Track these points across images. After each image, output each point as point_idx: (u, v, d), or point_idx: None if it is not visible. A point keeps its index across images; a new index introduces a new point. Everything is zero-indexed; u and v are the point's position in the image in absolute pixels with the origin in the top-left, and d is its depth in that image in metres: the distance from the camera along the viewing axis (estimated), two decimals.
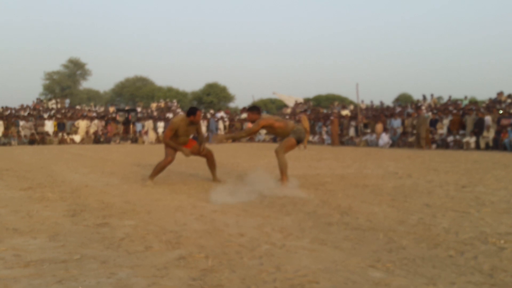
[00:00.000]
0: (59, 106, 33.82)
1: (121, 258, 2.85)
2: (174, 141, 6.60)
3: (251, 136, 6.73)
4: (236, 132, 7.08)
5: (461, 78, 72.65)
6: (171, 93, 47.54)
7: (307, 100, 38.40)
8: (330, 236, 3.41)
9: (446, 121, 20.04)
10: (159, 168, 6.64)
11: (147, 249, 3.05)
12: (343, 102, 40.89)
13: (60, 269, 2.63)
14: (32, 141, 24.54)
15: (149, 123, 28.16)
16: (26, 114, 27.81)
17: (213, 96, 49.57)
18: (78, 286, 2.34)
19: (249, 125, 6.85)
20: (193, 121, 6.59)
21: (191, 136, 6.89)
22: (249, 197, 5.22)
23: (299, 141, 6.43)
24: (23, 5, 75.41)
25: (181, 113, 32.12)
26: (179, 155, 6.74)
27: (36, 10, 76.34)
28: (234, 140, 6.82)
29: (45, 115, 27.99)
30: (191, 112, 6.59)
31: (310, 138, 24.93)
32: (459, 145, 18.25)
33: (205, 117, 29.03)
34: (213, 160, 6.90)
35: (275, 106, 49.23)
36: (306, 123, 18.65)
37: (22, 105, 30.43)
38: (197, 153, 6.83)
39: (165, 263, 2.73)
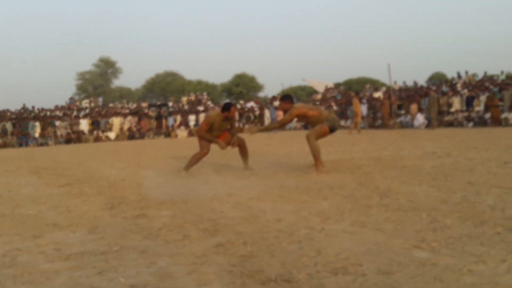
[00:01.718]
0: (92, 105, 34.50)
1: (160, 247, 2.85)
2: (209, 134, 6.69)
3: (283, 126, 6.64)
4: (269, 123, 7.01)
5: (495, 53, 70.17)
6: (200, 86, 47.81)
7: (337, 85, 37.97)
8: (370, 218, 3.32)
9: (482, 98, 19.43)
10: (195, 160, 6.71)
11: (185, 238, 3.03)
12: (375, 84, 40.13)
13: (100, 260, 2.64)
14: (68, 140, 25.16)
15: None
16: (61, 114, 28.52)
17: (242, 87, 49.58)
18: (118, 277, 2.34)
19: (279, 113, 6.80)
20: (227, 117, 6.67)
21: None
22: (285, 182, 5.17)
23: (332, 130, 6.24)
24: (52, 8, 77.07)
25: (211, 105, 32.35)
26: (213, 146, 6.76)
27: (64, 13, 77.92)
28: (268, 131, 6.74)
29: (80, 114, 28.65)
30: (226, 108, 6.64)
31: (343, 123, 24.62)
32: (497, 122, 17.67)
33: (263, 107, 29.36)
34: (245, 148, 6.89)
35: (305, 92, 48.82)
36: (357, 107, 18.49)
37: (56, 106, 31.21)
38: (229, 143, 6.84)
39: (204, 251, 2.71)
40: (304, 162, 7.35)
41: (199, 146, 6.77)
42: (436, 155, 7.36)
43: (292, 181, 5.33)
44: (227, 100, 45.93)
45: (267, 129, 6.92)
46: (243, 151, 6.90)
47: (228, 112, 6.61)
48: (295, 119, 6.65)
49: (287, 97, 6.60)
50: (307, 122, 6.60)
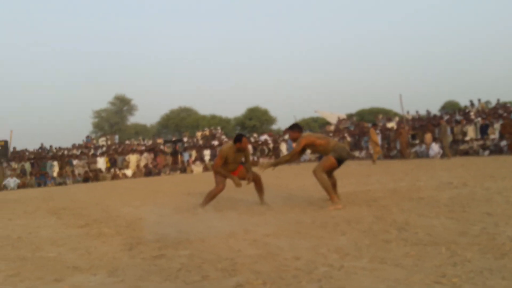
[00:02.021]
0: (109, 142, 34.98)
1: None
2: (224, 169, 6.74)
3: (295, 157, 6.58)
4: (281, 157, 6.94)
5: (505, 81, 70.06)
6: (214, 121, 48.29)
7: (350, 116, 38.01)
8: (389, 253, 3.30)
9: (497, 126, 19.32)
10: (211, 196, 6.77)
11: (204, 279, 3.04)
12: (388, 114, 40.08)
13: None
14: (86, 179, 25.40)
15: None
16: (78, 153, 28.93)
17: (255, 120, 49.94)
18: None
19: (294, 145, 6.77)
20: (240, 148, 6.74)
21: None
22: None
23: (340, 160, 6.16)
24: (67, 47, 79.27)
25: (225, 139, 32.55)
26: (229, 182, 6.80)
27: (79, 52, 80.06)
28: (280, 164, 6.65)
29: (97, 153, 29.03)
30: (237, 139, 6.73)
31: (357, 153, 24.53)
32: None
33: (277, 140, 29.50)
34: (261, 184, 6.92)
35: (318, 124, 48.93)
36: (374, 136, 18.47)
37: (74, 145, 31.70)
38: (244, 178, 6.88)
39: None
40: (318, 195, 7.34)
41: (215, 181, 6.81)
42: (453, 186, 7.30)
43: (308, 216, 5.32)
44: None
45: (279, 162, 6.87)
46: (259, 187, 6.93)
47: (240, 143, 6.68)
48: (309, 151, 6.63)
49: (295, 126, 6.63)
50: (315, 151, 6.54)
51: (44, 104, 72.35)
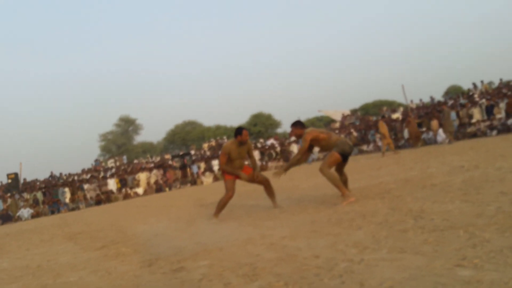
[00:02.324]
0: (117, 163, 35.16)
1: None
2: (230, 166, 6.75)
3: (305, 155, 6.58)
4: (291, 159, 6.90)
5: (506, 58, 69.63)
6: (219, 131, 48.46)
7: (354, 111, 37.99)
8: (407, 242, 3.29)
9: (502, 105, 19.22)
10: (222, 204, 6.78)
11: (226, 286, 3.05)
12: (392, 105, 40.08)
13: None
14: (98, 202, 25.50)
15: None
16: (88, 177, 29.07)
17: (260, 126, 50.06)
18: None
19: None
20: (241, 141, 6.73)
21: (246, 163, 6.99)
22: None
23: (344, 154, 6.17)
24: (67, 72, 79.88)
25: None
26: (238, 186, 6.80)
27: (79, 77, 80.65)
28: (293, 166, 6.66)
29: (107, 175, 29.16)
30: (238, 132, 6.76)
31: (365, 147, 24.48)
32: None
33: (283, 142, 29.43)
34: (270, 187, 6.93)
35: (323, 123, 48.92)
36: (383, 129, 18.41)
37: (83, 169, 31.89)
38: (253, 180, 6.89)
39: None
40: (331, 193, 7.33)
41: (225, 188, 6.81)
42: (464, 169, 7.26)
43: (323, 214, 5.32)
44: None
45: (291, 164, 6.84)
46: (269, 190, 6.93)
47: (240, 136, 6.70)
48: (317, 149, 6.64)
49: (298, 123, 6.62)
50: (319, 146, 6.52)
51: (50, 133, 72.86)
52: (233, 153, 6.73)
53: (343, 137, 6.52)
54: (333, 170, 6.29)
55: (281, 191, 8.71)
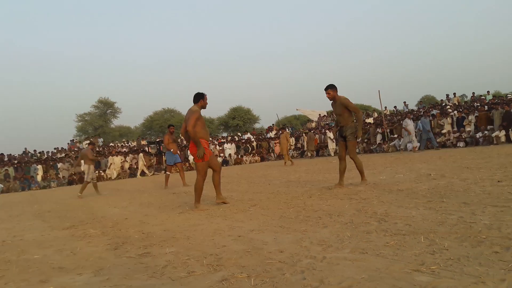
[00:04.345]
0: None
1: (166, 285, 2.90)
2: (203, 132, 6.53)
3: (361, 115, 7.38)
4: (358, 120, 7.34)
5: (481, 74, 71.56)
6: None
7: (330, 113, 38.28)
8: (370, 244, 3.38)
9: (472, 118, 19.67)
10: (199, 189, 6.62)
11: (190, 274, 3.09)
12: (367, 110, 40.64)
13: None
14: (70, 182, 25.16)
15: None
16: (63, 155, 28.62)
17: (238, 119, 49.96)
18: None
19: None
20: (203, 106, 6.65)
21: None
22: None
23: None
24: (51, 51, 78.20)
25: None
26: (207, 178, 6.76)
27: (62, 56, 79.07)
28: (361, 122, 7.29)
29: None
30: (200, 96, 6.62)
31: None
32: (489, 141, 17.87)
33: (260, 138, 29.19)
34: (219, 176, 6.78)
35: (300, 122, 49.24)
36: (284, 141, 18.46)
37: (57, 148, 31.34)
38: (214, 167, 6.74)
39: (208, 287, 2.77)
40: (302, 190, 7.43)
41: (196, 170, 6.62)
42: (431, 177, 7.45)
43: (292, 211, 5.40)
44: (224, 134, 46.22)
45: (359, 124, 7.25)
46: (217, 179, 6.77)
47: (203, 100, 6.61)
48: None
49: (333, 86, 7.25)
50: (347, 115, 7.23)
51: (28, 108, 71.34)
52: (202, 119, 6.51)
53: (354, 121, 7.29)
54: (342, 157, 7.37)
55: (254, 185, 8.79)
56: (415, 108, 29.91)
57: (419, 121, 19.87)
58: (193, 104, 6.63)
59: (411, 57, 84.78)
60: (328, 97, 7.21)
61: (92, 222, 6.53)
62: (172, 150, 12.28)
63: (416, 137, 19.49)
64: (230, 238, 4.19)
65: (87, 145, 15.86)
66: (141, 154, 27.35)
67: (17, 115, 68.49)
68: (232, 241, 4.05)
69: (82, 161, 13.66)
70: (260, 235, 4.20)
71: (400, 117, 25.41)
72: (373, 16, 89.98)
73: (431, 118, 21.58)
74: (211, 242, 4.12)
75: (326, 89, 7.20)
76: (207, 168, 6.63)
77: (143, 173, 26.46)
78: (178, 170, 13.61)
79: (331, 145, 25.49)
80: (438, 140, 19.80)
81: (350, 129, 7.04)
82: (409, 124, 19.15)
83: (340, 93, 7.23)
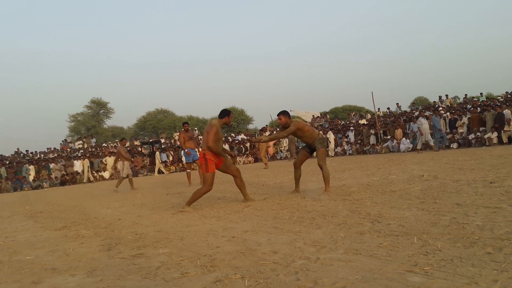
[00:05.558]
0: (85, 146, 34.49)
1: (159, 286, 2.89)
2: (221, 146, 6.55)
3: (288, 136, 7.34)
4: (277, 132, 7.55)
5: (473, 76, 72.15)
6: (191, 122, 48.11)
7: (324, 114, 38.46)
8: (363, 245, 3.39)
9: (465, 119, 19.80)
10: (198, 195, 6.60)
11: (184, 275, 3.08)
12: (360, 111, 40.86)
13: None
14: (63, 182, 25.03)
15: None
16: (55, 156, 28.47)
17: (232, 120, 49.88)
18: None
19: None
20: (226, 123, 6.72)
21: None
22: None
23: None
24: (43, 50, 77.80)
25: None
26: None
27: (56, 55, 78.70)
28: (276, 139, 7.34)
29: (73, 156, 28.59)
30: (226, 113, 6.71)
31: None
32: (481, 142, 18.01)
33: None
34: (241, 179, 6.84)
35: None
36: (263, 145, 18.54)
37: (49, 148, 31.18)
38: (226, 171, 6.80)
39: None
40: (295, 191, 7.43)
41: (204, 180, 6.59)
42: (424, 178, 7.49)
43: (286, 212, 5.41)
44: None
45: (274, 137, 7.37)
46: (240, 182, 6.84)
47: (228, 118, 6.67)
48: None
49: (286, 112, 7.14)
50: (301, 136, 7.11)
51: (20, 109, 70.96)
52: (220, 133, 6.50)
53: (321, 134, 7.15)
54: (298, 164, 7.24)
55: (248, 188, 8.74)
56: (408, 110, 30.07)
57: (411, 123, 19.93)
58: (218, 118, 6.81)
59: (404, 59, 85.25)
60: (280, 123, 7.21)
61: (84, 223, 6.50)
62: (186, 150, 11.97)
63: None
64: (224, 239, 4.18)
65: (119, 142, 16.08)
66: (157, 153, 27.45)
67: (9, 115, 68.08)
68: (226, 242, 4.04)
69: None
70: (254, 236, 4.20)
71: (393, 118, 25.53)
72: (366, 19, 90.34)
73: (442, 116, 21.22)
74: (205, 243, 4.11)
75: (278, 115, 7.21)
76: (213, 179, 6.57)
77: (160, 171, 26.54)
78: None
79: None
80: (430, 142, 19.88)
81: (318, 140, 7.02)
82: (423, 123, 18.08)
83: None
